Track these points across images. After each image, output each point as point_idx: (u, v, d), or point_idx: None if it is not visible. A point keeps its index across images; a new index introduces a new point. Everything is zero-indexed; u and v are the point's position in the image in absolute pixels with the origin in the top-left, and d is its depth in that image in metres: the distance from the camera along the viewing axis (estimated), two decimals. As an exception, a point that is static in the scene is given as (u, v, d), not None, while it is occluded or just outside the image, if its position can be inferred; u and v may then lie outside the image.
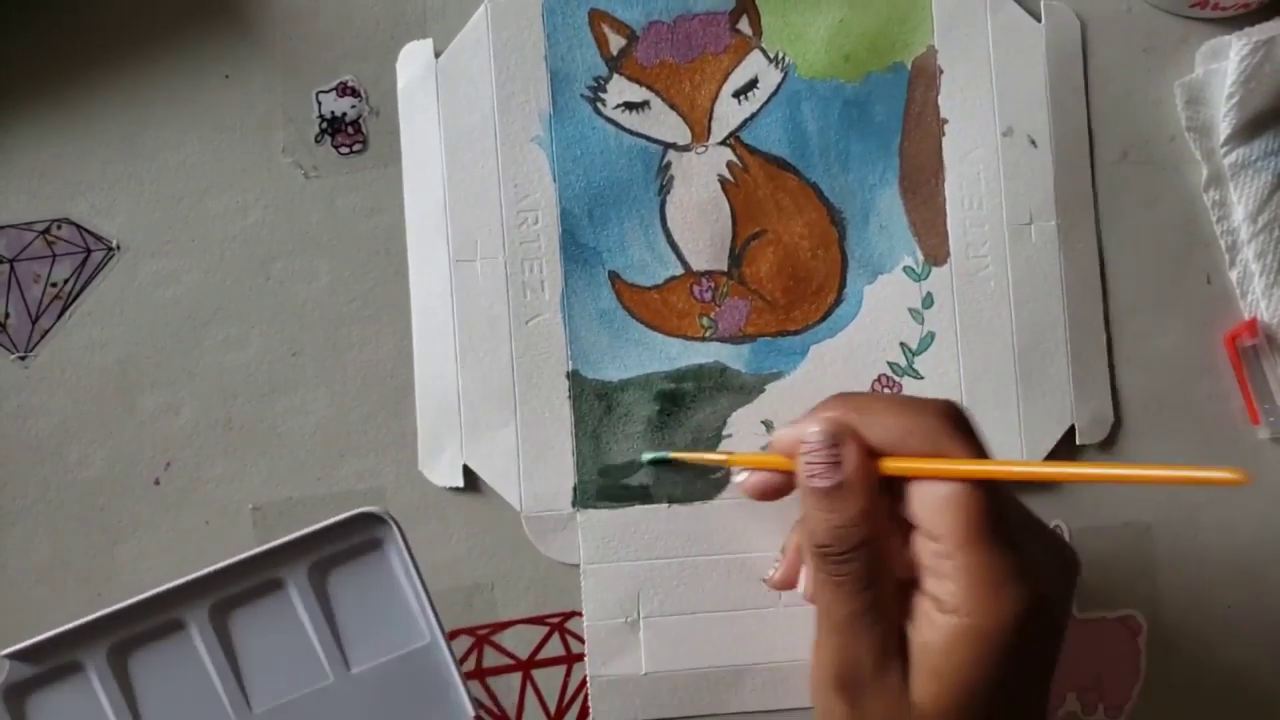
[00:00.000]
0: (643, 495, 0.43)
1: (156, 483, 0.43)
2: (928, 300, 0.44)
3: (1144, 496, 0.44)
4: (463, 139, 0.43)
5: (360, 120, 0.44)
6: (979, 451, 0.33)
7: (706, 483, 0.43)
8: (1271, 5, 0.44)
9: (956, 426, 0.33)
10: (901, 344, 0.43)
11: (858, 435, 0.33)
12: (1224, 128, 0.43)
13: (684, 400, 0.43)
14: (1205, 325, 0.44)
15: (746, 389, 0.43)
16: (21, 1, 0.43)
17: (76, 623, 0.31)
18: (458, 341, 0.43)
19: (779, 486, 0.37)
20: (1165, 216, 0.45)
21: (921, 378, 0.43)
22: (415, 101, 0.44)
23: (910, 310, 0.44)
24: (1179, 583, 0.44)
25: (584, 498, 0.43)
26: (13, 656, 0.30)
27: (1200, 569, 0.44)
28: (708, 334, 0.44)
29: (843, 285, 0.44)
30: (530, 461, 0.43)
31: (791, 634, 0.43)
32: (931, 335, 0.43)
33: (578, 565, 0.43)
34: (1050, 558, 0.34)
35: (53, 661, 0.31)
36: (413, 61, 0.44)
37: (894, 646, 0.33)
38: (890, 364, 0.43)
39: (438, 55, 0.44)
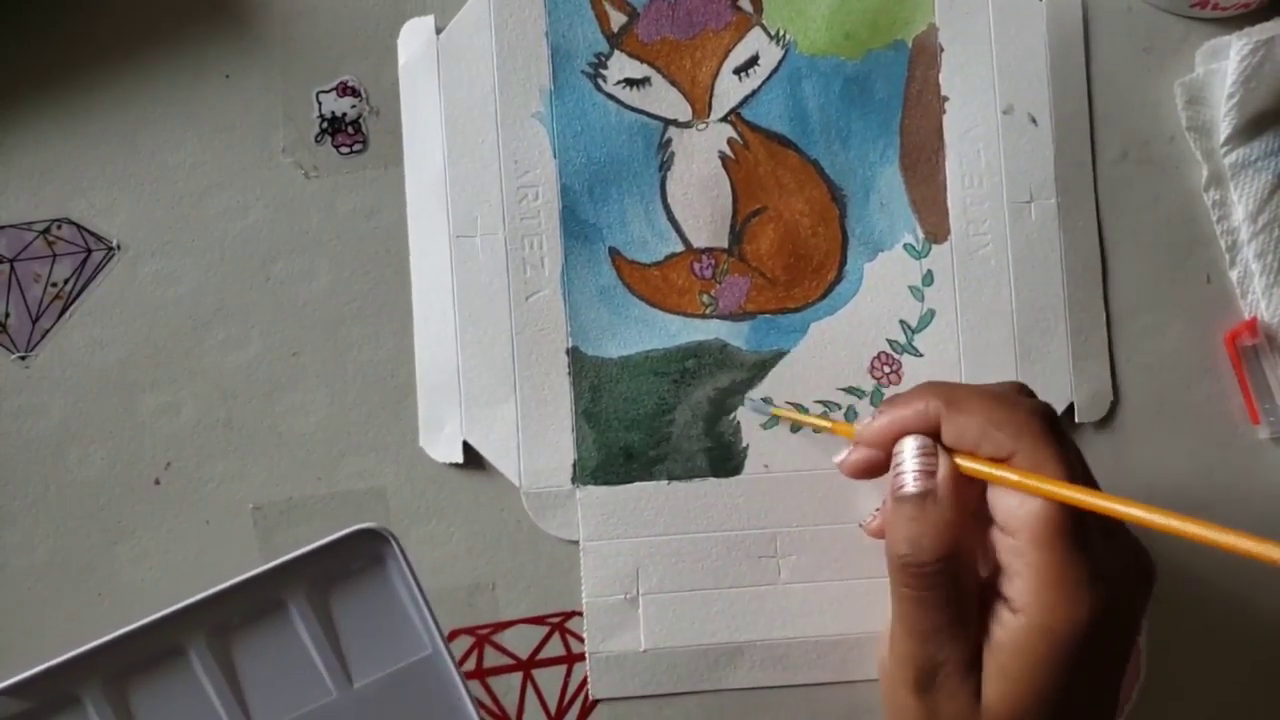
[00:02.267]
0: (643, 473, 0.43)
1: (157, 483, 0.43)
2: (928, 278, 0.44)
3: (1143, 498, 0.44)
4: (463, 115, 0.43)
5: (360, 120, 0.44)
6: (1065, 458, 0.32)
7: (707, 459, 0.43)
8: (1272, 5, 0.44)
9: (1046, 428, 0.32)
10: (901, 321, 0.43)
11: (950, 459, 0.33)
12: (1224, 127, 0.43)
13: (684, 377, 0.43)
14: (1205, 325, 0.44)
15: (746, 366, 0.43)
16: (21, 2, 0.43)
17: (71, 654, 0.30)
18: (457, 317, 0.43)
19: (877, 467, 0.36)
20: (1165, 216, 0.45)
21: (921, 355, 0.43)
22: (416, 78, 0.44)
23: (910, 288, 0.44)
24: (1179, 582, 0.44)
25: (583, 475, 0.43)
26: (2, 693, 0.29)
27: (1200, 569, 0.44)
28: (708, 311, 0.44)
29: (843, 263, 0.44)
30: (530, 438, 0.43)
31: (790, 612, 0.43)
32: (932, 313, 0.43)
33: (577, 542, 0.43)
34: (1126, 564, 0.33)
35: (47, 695, 0.30)
36: (414, 38, 0.44)
37: (977, 653, 0.33)
38: (890, 341, 0.43)
39: (439, 32, 0.44)
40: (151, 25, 0.44)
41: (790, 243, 0.44)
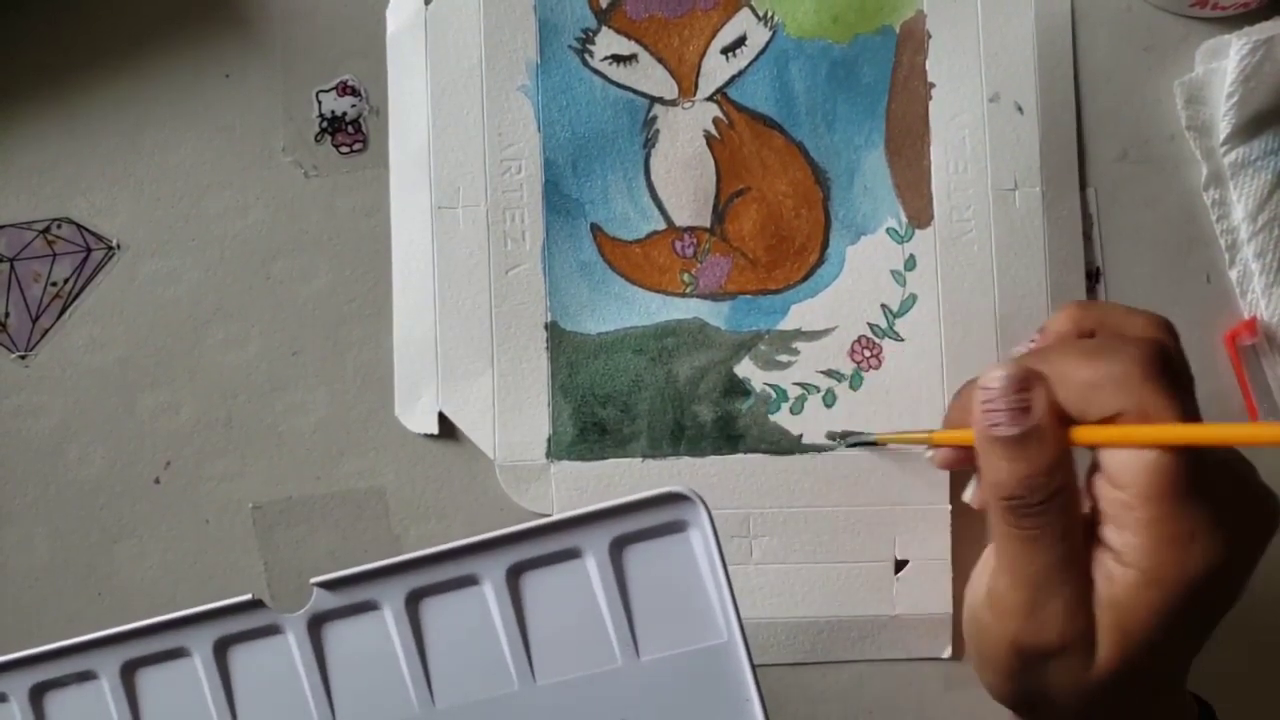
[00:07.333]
0: (617, 449, 0.43)
1: (156, 482, 0.43)
2: (910, 263, 0.44)
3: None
4: (449, 86, 0.43)
5: (360, 119, 0.44)
6: (1183, 406, 0.30)
7: (683, 438, 0.43)
8: (1272, 4, 0.44)
9: (1158, 375, 0.29)
10: (883, 305, 0.43)
11: (1045, 381, 0.30)
12: (1224, 127, 0.43)
13: (662, 356, 0.43)
14: (1205, 324, 0.44)
15: (725, 346, 0.43)
16: (21, 2, 0.43)
17: (380, 563, 0.31)
18: (436, 288, 0.43)
19: (969, 457, 0.34)
20: (1165, 216, 0.45)
21: (902, 340, 0.43)
22: (403, 48, 0.44)
23: (893, 272, 0.44)
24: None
25: (558, 449, 0.43)
26: (321, 585, 0.31)
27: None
28: (688, 290, 0.44)
29: (825, 245, 0.44)
30: (505, 411, 0.43)
31: (761, 592, 0.43)
32: (913, 298, 0.43)
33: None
34: (1246, 504, 0.31)
35: (354, 597, 0.31)
36: (402, 8, 0.44)
37: (1085, 607, 0.30)
38: (871, 325, 0.43)
39: (428, 3, 0.44)
40: (151, 25, 0.44)
41: (773, 224, 0.44)
